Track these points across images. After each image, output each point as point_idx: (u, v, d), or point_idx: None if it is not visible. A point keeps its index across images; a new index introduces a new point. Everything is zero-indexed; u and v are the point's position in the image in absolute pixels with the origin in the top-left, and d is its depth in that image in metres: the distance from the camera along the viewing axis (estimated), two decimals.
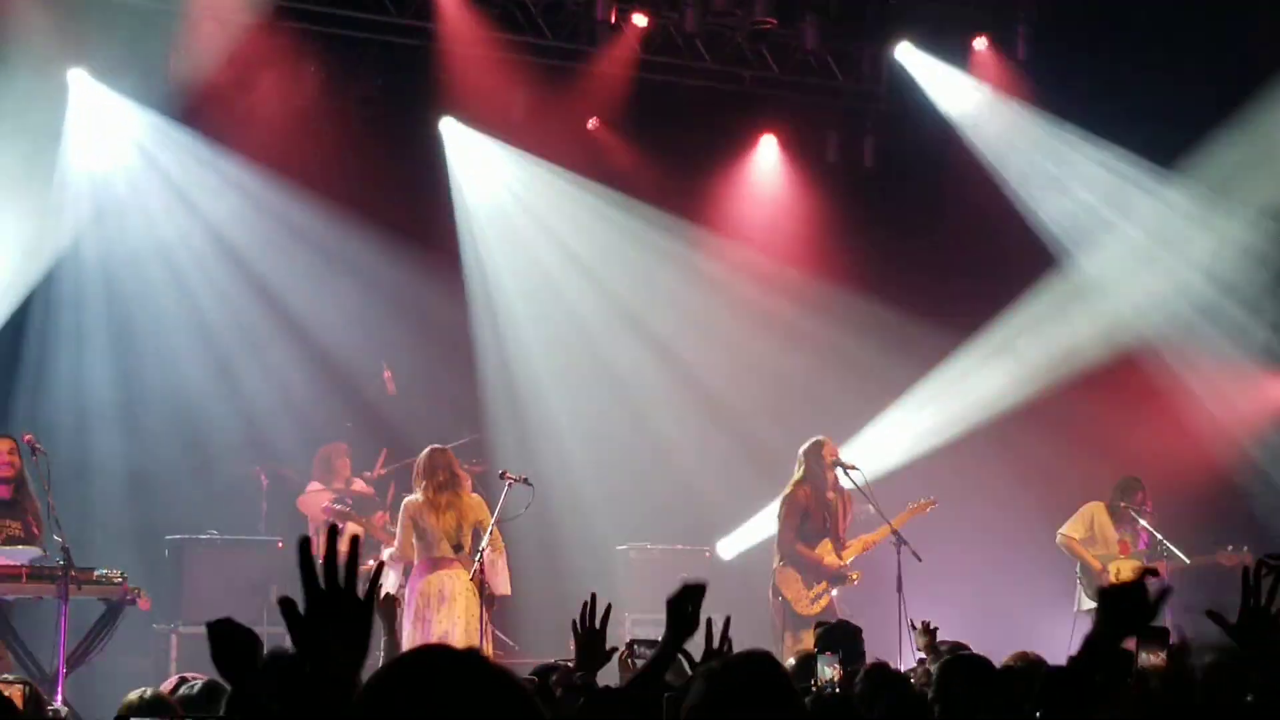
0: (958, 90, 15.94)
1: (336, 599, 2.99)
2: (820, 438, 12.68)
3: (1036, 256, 15.45)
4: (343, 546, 3.01)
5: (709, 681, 3.76)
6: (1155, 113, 14.26)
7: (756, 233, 16.39)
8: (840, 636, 7.57)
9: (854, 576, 12.50)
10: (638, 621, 13.66)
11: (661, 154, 15.75)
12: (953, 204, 15.90)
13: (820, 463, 12.52)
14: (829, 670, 6.30)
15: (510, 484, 11.84)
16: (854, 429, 14.83)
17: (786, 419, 14.71)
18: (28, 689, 5.73)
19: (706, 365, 16.03)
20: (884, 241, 15.84)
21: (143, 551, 12.97)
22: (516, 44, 15.17)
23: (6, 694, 4.41)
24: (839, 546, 12.54)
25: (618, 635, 13.45)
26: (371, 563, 11.08)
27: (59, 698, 10.02)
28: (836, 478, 12.57)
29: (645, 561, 14.39)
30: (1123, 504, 13.26)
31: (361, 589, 3.02)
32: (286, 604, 3.02)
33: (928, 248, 15.74)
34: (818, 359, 15.81)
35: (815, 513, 12.54)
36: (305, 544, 3.04)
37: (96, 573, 10.82)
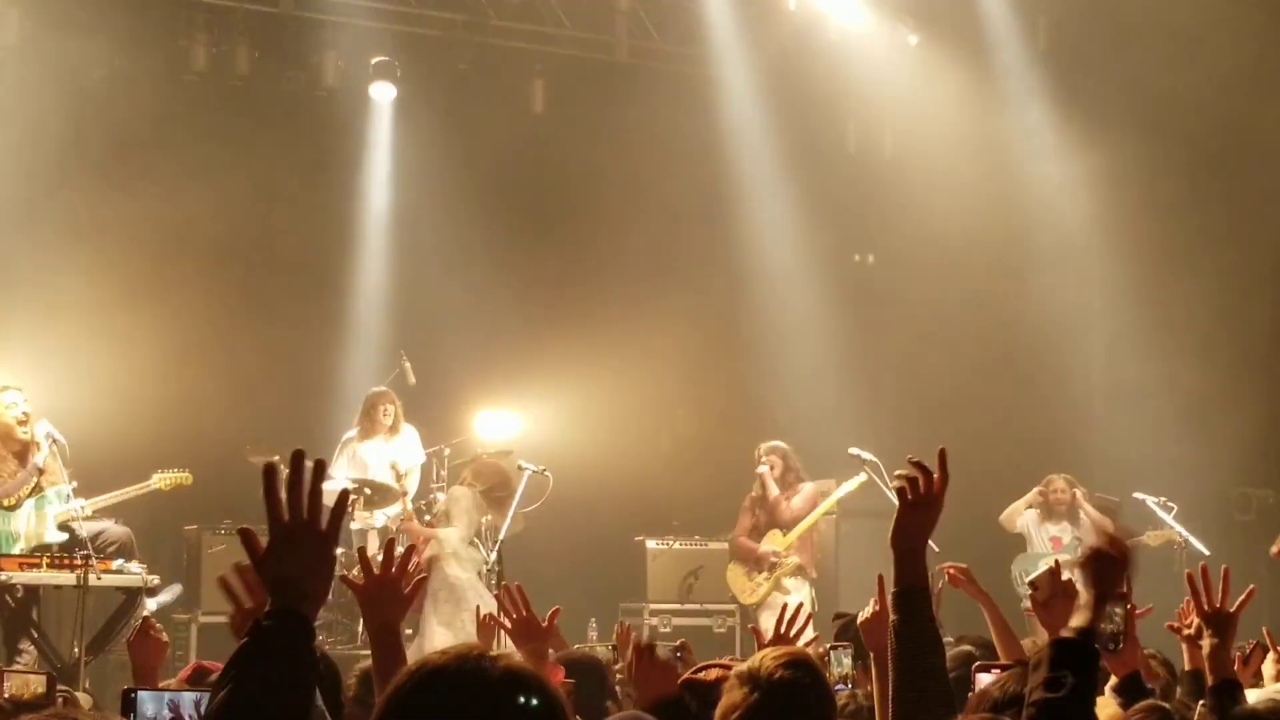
0: None
1: (300, 531, 2.98)
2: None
3: None
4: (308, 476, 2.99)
5: (754, 687, 3.81)
6: None
7: None
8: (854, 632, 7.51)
9: (778, 560, 13.02)
10: (655, 612, 13.68)
11: None
12: None
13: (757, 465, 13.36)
14: (845, 663, 6.22)
15: (528, 474, 11.89)
16: (875, 419, 14.82)
17: (810, 414, 14.76)
18: (49, 679, 5.73)
19: (727, 357, 16.07)
20: None
21: (160, 540, 13.03)
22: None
23: (32, 684, 4.41)
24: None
25: (637, 628, 13.50)
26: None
27: (79, 687, 10.03)
28: (762, 477, 13.26)
29: (665, 555, 14.34)
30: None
31: (325, 522, 3.01)
32: (246, 536, 3.03)
33: None
34: (836, 354, 15.85)
35: (758, 511, 13.33)
36: (271, 472, 3.03)
37: (115, 563, 10.86)
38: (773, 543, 13.07)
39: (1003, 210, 15.84)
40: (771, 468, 13.23)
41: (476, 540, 12.37)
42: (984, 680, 4.83)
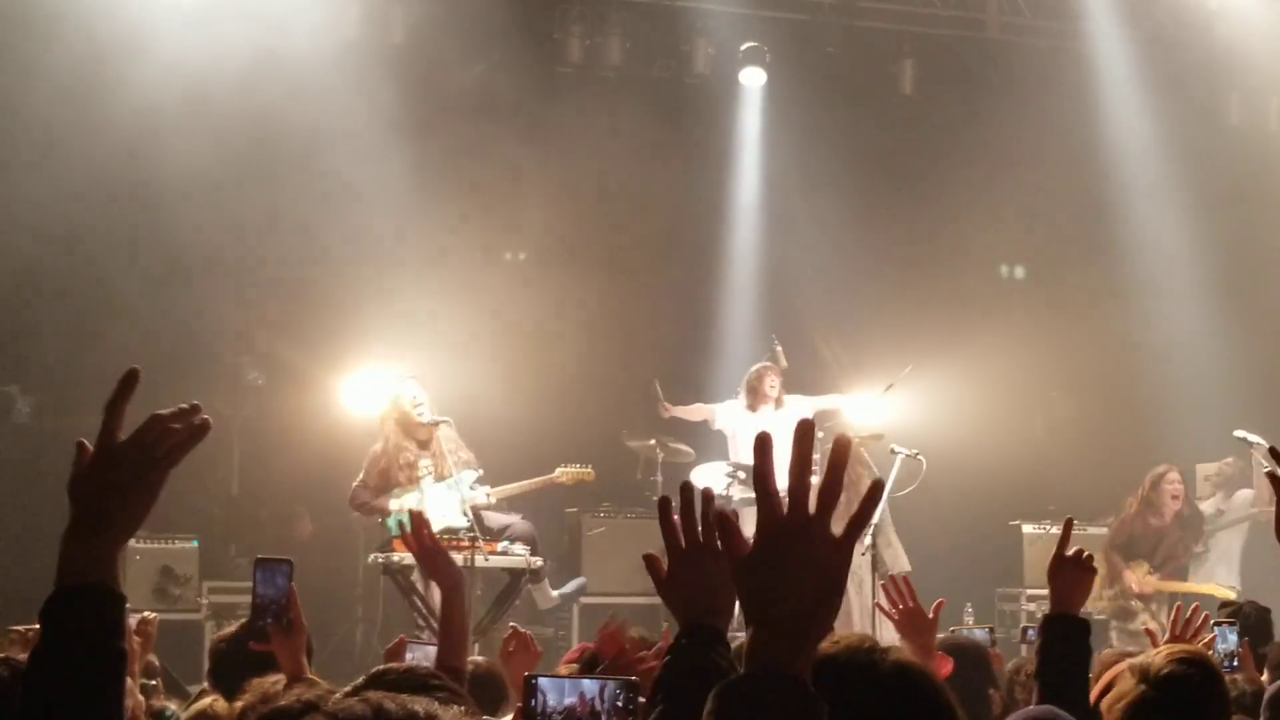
0: None
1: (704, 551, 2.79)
2: None
3: None
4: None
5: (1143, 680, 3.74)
6: None
7: None
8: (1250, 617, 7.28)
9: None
10: (1032, 598, 13.42)
11: None
12: None
13: None
14: (1230, 640, 6.00)
15: (900, 459, 11.84)
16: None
17: (1191, 396, 14.32)
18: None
19: (1103, 337, 15.71)
20: None
21: (542, 523, 13.36)
22: None
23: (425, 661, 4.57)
24: None
25: (1011, 615, 13.30)
26: None
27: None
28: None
29: (1042, 539, 14.07)
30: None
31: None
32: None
33: None
34: (1219, 334, 15.32)
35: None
36: (680, 496, 2.82)
37: (501, 545, 11.19)
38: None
39: None
40: None
41: None
42: None
